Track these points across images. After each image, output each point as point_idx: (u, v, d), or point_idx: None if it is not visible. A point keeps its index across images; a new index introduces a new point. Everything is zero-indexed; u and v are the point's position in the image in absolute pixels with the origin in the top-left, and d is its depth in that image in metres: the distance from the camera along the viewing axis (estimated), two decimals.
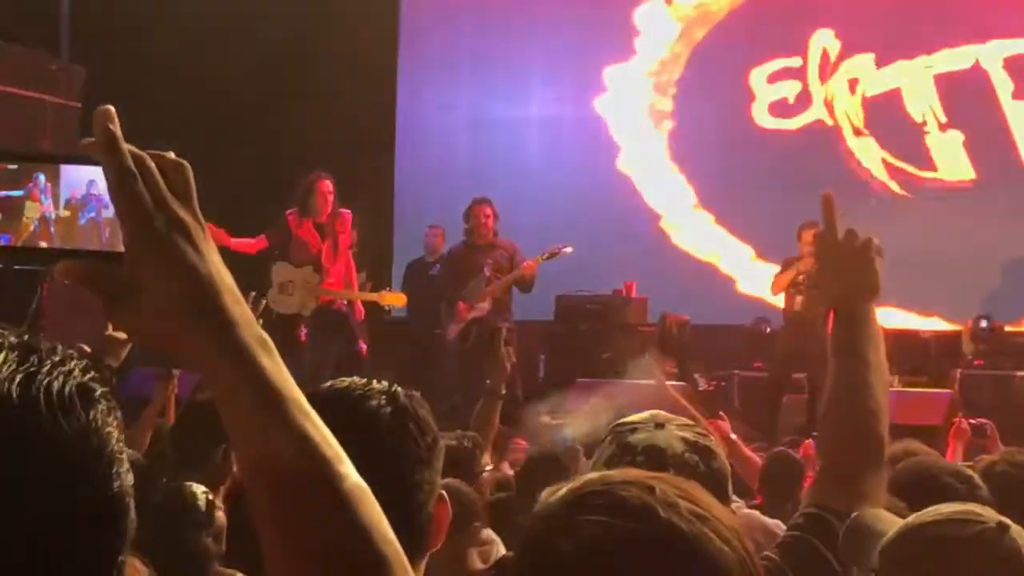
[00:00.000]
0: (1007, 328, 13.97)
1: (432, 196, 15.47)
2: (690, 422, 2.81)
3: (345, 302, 12.40)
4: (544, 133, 15.99)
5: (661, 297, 14.37)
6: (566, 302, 14.14)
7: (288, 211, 12.28)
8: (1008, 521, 2.42)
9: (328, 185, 12.22)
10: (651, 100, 16.11)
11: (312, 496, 1.43)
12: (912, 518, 2.47)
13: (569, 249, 12.85)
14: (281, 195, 12.60)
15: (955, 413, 11.12)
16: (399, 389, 2.36)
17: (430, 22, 16.55)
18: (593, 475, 1.65)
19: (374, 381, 2.37)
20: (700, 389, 12.92)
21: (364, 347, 12.57)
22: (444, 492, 2.33)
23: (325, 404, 1.48)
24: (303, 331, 12.21)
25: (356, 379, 2.40)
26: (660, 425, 2.75)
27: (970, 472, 3.93)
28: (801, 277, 12.76)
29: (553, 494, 1.64)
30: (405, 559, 1.46)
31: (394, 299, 12.97)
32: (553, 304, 14.15)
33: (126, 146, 1.43)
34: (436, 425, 2.38)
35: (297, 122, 14.99)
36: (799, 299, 12.84)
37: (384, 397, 2.34)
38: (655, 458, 2.67)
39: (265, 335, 1.46)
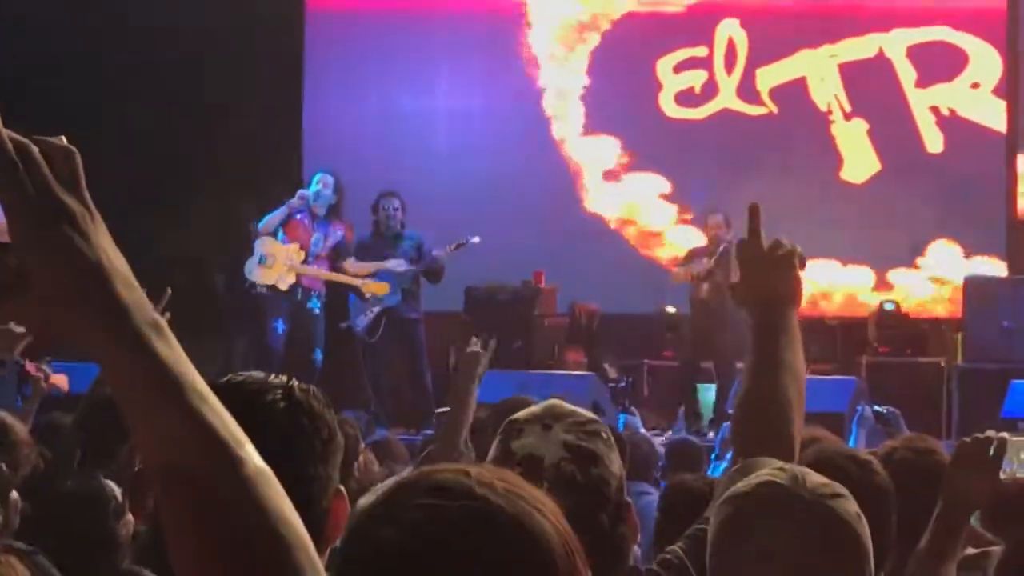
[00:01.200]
0: (911, 315, 14.14)
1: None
2: (584, 419, 2.76)
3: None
4: (453, 123, 15.95)
5: (572, 287, 14.42)
6: (475, 293, 14.15)
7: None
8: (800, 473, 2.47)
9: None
10: (561, 87, 16.10)
11: (212, 480, 1.42)
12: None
13: (476, 240, 12.86)
14: (188, 186, 12.56)
15: (860, 400, 11.26)
16: (296, 384, 2.36)
17: (334, 11, 16.46)
18: (421, 469, 1.66)
19: (272, 376, 2.37)
20: (611, 378, 12.98)
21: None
22: (341, 489, 2.32)
23: (221, 397, 1.47)
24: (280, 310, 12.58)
25: (255, 373, 2.39)
26: (547, 426, 2.71)
27: (868, 456, 3.96)
28: (705, 265, 12.84)
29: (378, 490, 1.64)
30: (310, 542, 1.45)
31: (376, 288, 13.02)
32: (463, 295, 14.15)
33: (6, 132, 1.41)
34: (334, 419, 2.37)
35: (199, 118, 14.91)
36: (705, 287, 12.93)
37: (280, 391, 2.33)
38: (532, 469, 2.63)
39: (160, 320, 1.44)
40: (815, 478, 2.49)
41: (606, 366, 13.23)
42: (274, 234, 12.82)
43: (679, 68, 15.71)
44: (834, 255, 14.69)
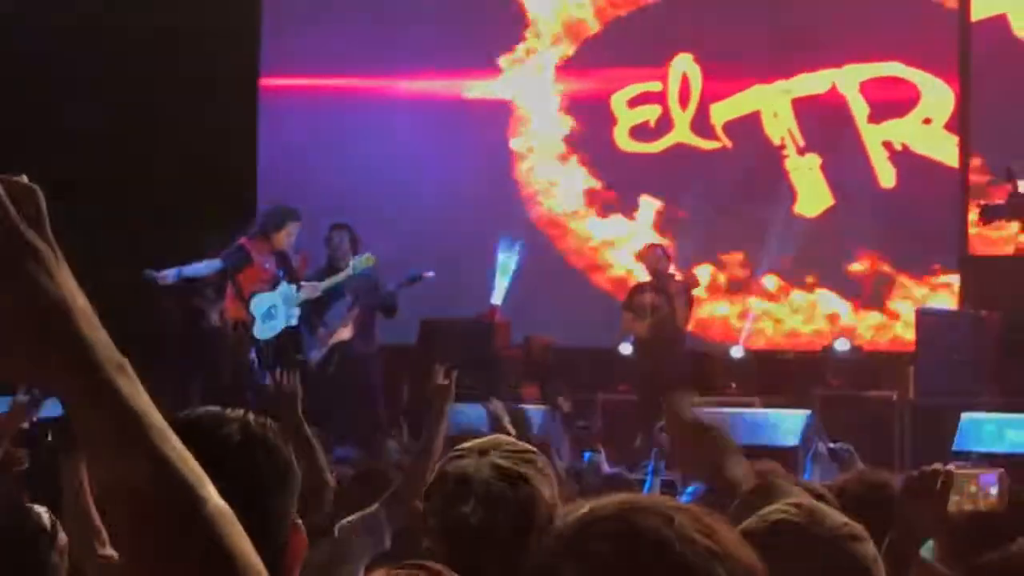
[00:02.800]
0: (864, 349, 14.20)
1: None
2: (523, 448, 2.82)
3: None
4: (409, 154, 15.93)
5: (526, 320, 14.44)
6: (429, 326, 14.14)
7: (243, 238, 12.58)
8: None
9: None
10: (521, 116, 16.15)
11: (170, 519, 1.42)
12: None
13: (430, 274, 12.87)
14: (142, 210, 12.49)
15: (814, 434, 11.29)
16: (253, 418, 2.36)
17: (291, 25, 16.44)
18: (610, 499, 1.60)
19: (228, 410, 2.37)
20: (565, 412, 12.98)
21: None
22: (299, 523, 2.32)
23: (178, 433, 1.48)
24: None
25: (211, 408, 2.40)
26: (483, 452, 2.80)
27: (821, 491, 3.99)
28: (647, 299, 12.88)
29: (565, 517, 1.59)
30: None
31: (365, 262, 13.02)
32: (417, 328, 14.14)
33: None
34: (290, 452, 2.37)
35: (150, 148, 14.90)
36: (646, 323, 12.97)
37: (235, 425, 2.33)
38: (462, 487, 2.74)
39: (123, 359, 1.44)
40: (834, 518, 2.49)
41: (560, 400, 13.22)
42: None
43: (634, 103, 15.77)
44: (786, 288, 14.78)
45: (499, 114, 16.13)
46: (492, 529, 2.73)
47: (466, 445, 2.84)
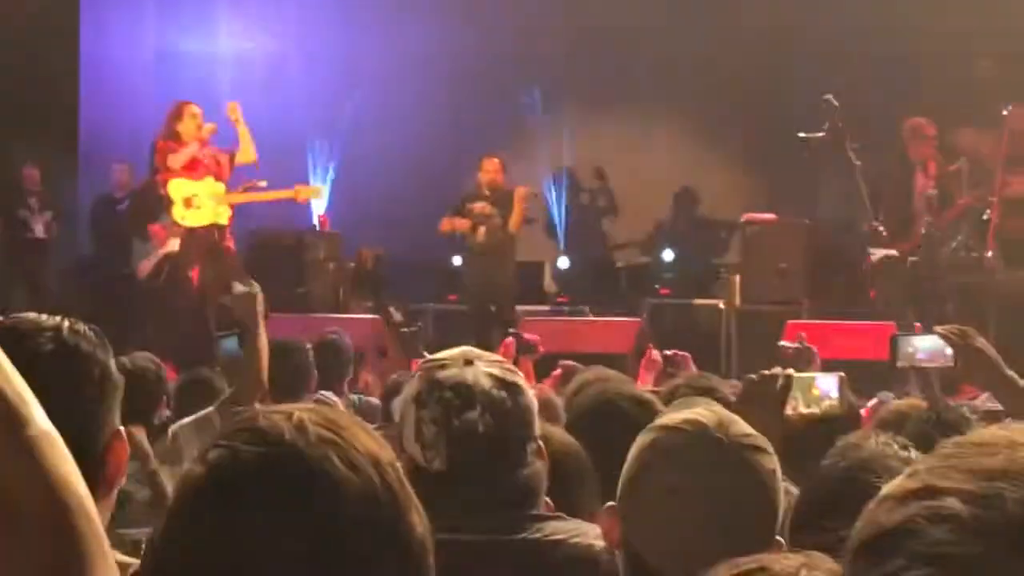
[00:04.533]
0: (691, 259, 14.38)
1: (118, 132, 15.14)
2: (499, 359, 2.81)
3: None
4: (234, 68, 15.75)
5: (357, 231, 14.38)
6: (260, 236, 14.00)
7: (157, 140, 12.18)
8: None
9: (193, 109, 12.20)
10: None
11: None
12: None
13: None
14: None
15: (645, 341, 11.42)
16: (68, 325, 2.30)
17: None
18: (260, 408, 1.66)
19: (44, 316, 2.31)
20: (395, 321, 12.96)
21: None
22: (121, 430, 2.28)
23: None
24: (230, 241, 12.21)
25: (30, 315, 2.34)
26: (469, 362, 2.76)
27: (649, 396, 4.01)
28: (480, 207, 12.87)
29: None
30: (91, 505, 1.44)
31: (310, 192, 12.74)
32: (247, 237, 14.01)
33: None
34: (108, 360, 2.32)
35: None
36: (481, 231, 12.94)
37: (49, 333, 2.28)
38: (462, 394, 2.70)
39: None
40: (740, 427, 2.50)
41: (391, 309, 13.19)
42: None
43: None
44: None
45: None
46: (500, 438, 2.71)
47: (442, 355, 2.80)
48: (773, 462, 2.50)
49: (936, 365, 4.22)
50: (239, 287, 5.61)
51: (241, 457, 1.54)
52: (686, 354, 7.54)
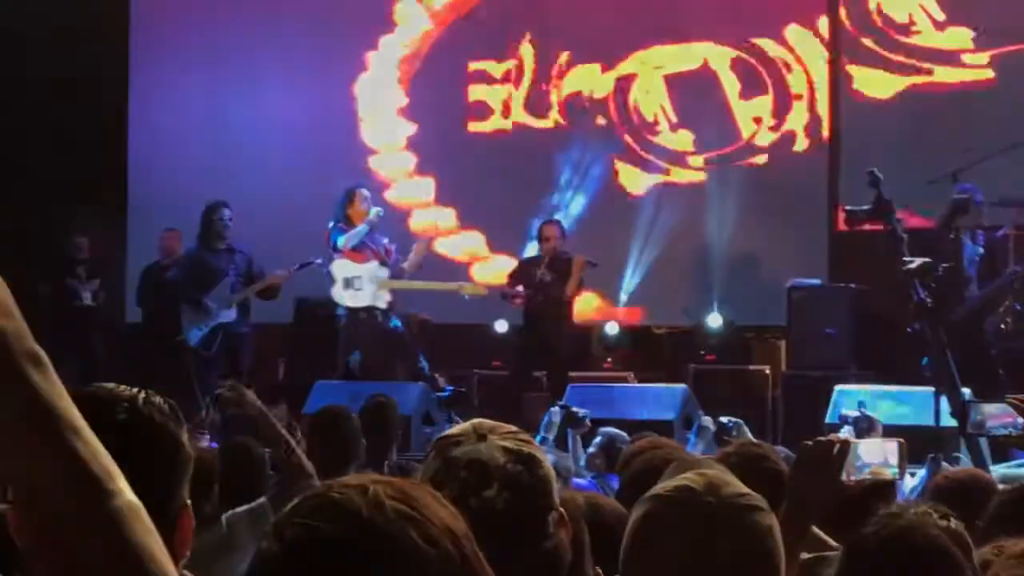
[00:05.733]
0: (737, 323, 14.34)
1: (166, 199, 15.25)
2: (513, 430, 2.76)
3: None
4: (284, 134, 15.83)
5: (402, 298, 14.41)
6: (305, 305, 14.06)
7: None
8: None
9: (365, 193, 12.83)
10: (396, 101, 16.12)
11: (78, 516, 1.41)
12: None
13: (319, 261, 12.86)
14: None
15: (691, 408, 11.39)
16: (143, 396, 2.33)
17: (161, 17, 16.28)
18: (329, 482, 1.66)
19: (122, 387, 2.34)
20: (441, 388, 12.98)
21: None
22: (188, 504, 2.30)
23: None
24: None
25: (107, 385, 2.36)
26: (482, 436, 2.70)
27: (700, 460, 4.02)
28: (542, 273, 12.90)
29: None
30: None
31: (476, 289, 12.89)
32: (292, 306, 14.06)
33: None
34: (181, 433, 2.34)
35: (21, 122, 14.68)
36: (540, 298, 12.98)
37: (125, 403, 2.30)
38: (478, 471, 2.65)
39: (39, 350, 1.43)
40: (731, 488, 2.50)
41: (436, 376, 13.22)
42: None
43: (482, 80, 15.78)
44: (659, 266, 14.88)
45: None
46: (518, 513, 2.70)
47: (457, 430, 2.75)
48: (769, 519, 2.49)
49: (1006, 434, 4.22)
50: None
51: (319, 535, 1.54)
52: (739, 420, 7.52)
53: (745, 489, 2.52)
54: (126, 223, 15.93)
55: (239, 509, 5.26)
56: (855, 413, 7.52)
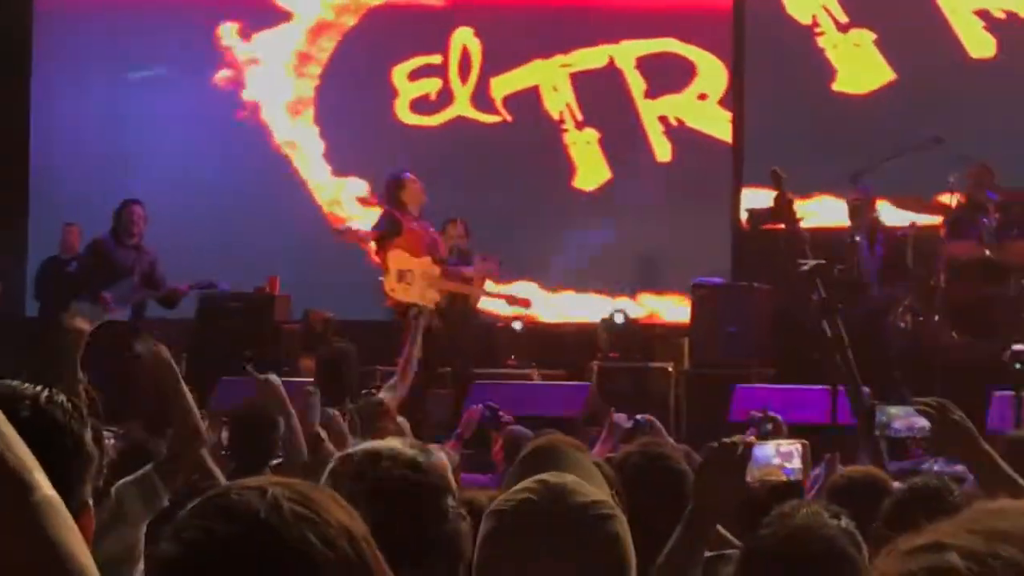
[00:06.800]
0: (640, 321, 14.40)
1: (68, 194, 15.14)
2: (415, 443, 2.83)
3: None
4: (186, 129, 15.75)
5: (307, 293, 14.36)
6: (207, 300, 13.98)
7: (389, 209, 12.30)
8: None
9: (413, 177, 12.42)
10: (297, 93, 16.06)
11: None
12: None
13: (225, 286, 12.82)
14: None
15: (595, 405, 11.44)
16: (46, 394, 2.31)
17: (63, 11, 16.14)
18: (228, 483, 1.67)
19: (26, 385, 2.33)
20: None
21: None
22: (89, 503, 2.29)
23: None
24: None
25: (10, 382, 2.35)
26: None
27: (597, 462, 4.03)
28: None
29: None
30: (94, 572, 1.45)
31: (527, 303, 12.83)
32: (195, 302, 13.97)
33: None
34: (84, 432, 2.33)
35: None
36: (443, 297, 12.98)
37: (27, 401, 2.29)
38: (371, 456, 2.73)
39: None
40: (578, 497, 2.50)
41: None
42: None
43: (414, 76, 15.77)
44: (564, 262, 14.92)
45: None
46: (414, 492, 2.71)
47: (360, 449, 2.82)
48: (616, 526, 2.49)
49: (913, 437, 4.27)
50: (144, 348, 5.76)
51: (216, 537, 1.54)
52: (654, 419, 7.53)
53: (593, 497, 2.51)
54: (27, 217, 15.79)
55: (127, 479, 5.24)
56: (759, 414, 7.56)
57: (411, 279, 12.23)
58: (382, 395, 7.62)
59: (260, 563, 1.53)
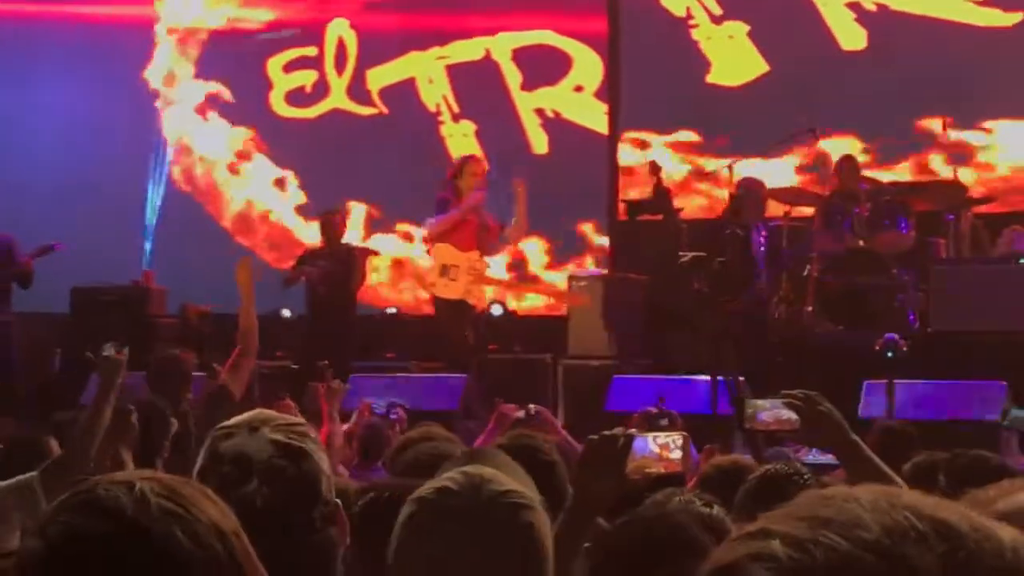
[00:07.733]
0: (519, 314, 14.44)
1: None
2: (291, 422, 2.74)
3: None
4: (55, 120, 15.57)
5: (183, 287, 14.25)
6: (82, 294, 13.81)
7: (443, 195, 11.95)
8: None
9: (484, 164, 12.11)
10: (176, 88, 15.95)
11: None
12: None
13: (60, 247, 12.57)
14: None
15: (473, 398, 11.43)
16: None
17: None
18: (98, 477, 1.63)
19: None
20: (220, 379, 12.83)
21: None
22: None
23: None
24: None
25: None
26: (255, 428, 2.68)
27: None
28: (323, 266, 12.84)
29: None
30: None
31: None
32: (68, 296, 13.81)
33: None
34: None
35: None
36: (323, 288, 12.92)
37: None
38: (242, 466, 2.62)
39: None
40: (496, 486, 2.50)
41: (215, 366, 13.05)
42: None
43: (289, 68, 15.69)
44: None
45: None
46: (279, 509, 2.65)
47: (232, 422, 2.71)
48: (533, 516, 2.51)
49: (781, 428, 4.30)
50: (109, 349, 5.66)
51: (82, 534, 1.52)
52: (541, 408, 7.53)
53: (510, 486, 2.52)
54: None
55: (5, 483, 5.14)
56: (655, 410, 7.60)
57: (456, 274, 11.92)
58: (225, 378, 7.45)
59: (125, 561, 1.51)
